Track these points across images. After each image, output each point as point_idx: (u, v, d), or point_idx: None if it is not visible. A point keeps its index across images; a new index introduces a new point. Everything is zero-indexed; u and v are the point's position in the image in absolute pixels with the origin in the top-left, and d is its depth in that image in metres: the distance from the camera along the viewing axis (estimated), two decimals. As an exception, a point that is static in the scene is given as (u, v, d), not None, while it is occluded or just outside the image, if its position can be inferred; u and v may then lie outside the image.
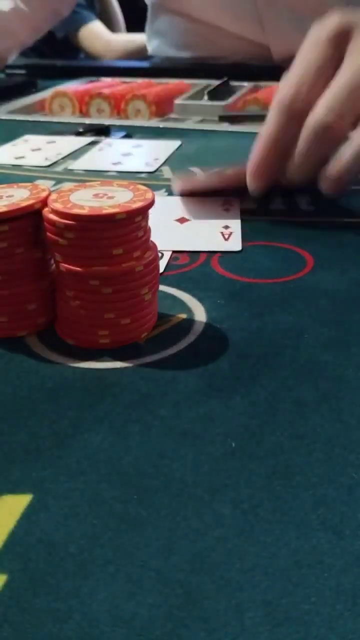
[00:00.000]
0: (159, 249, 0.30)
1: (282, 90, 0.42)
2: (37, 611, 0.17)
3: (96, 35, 1.57)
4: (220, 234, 0.40)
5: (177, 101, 0.78)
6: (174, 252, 0.38)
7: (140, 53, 1.29)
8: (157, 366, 0.27)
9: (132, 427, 0.24)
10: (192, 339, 0.29)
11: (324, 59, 0.41)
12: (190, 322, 0.31)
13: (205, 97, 0.80)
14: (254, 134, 0.43)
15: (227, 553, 0.19)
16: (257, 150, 0.42)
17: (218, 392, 0.26)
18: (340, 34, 0.42)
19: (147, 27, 1.06)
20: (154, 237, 0.30)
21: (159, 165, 0.56)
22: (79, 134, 0.66)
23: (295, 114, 0.41)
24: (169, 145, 0.62)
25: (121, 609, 0.17)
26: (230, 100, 0.77)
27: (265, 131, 0.42)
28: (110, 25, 1.68)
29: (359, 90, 0.39)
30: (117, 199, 0.28)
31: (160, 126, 0.71)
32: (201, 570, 0.18)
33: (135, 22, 1.25)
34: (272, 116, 0.42)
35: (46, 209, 0.28)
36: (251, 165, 0.43)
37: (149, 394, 0.26)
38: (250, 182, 0.43)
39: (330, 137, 0.40)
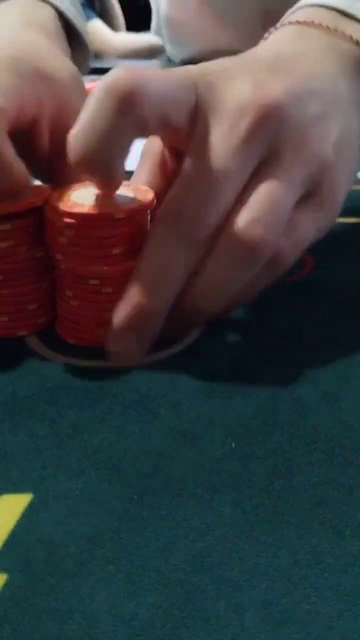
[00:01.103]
0: (159, 248, 0.30)
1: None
2: (37, 611, 0.17)
3: (96, 34, 1.57)
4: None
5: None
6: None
7: (140, 52, 1.29)
8: (157, 366, 0.27)
9: (132, 427, 0.24)
10: (192, 339, 0.29)
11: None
12: (190, 322, 0.31)
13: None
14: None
15: (227, 553, 0.19)
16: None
17: (218, 392, 0.26)
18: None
19: (156, 31, 1.05)
20: (154, 237, 0.30)
21: (159, 165, 0.56)
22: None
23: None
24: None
25: (121, 609, 0.17)
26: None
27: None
28: (111, 24, 1.68)
29: None
30: (117, 198, 0.28)
31: (160, 126, 0.70)
32: (201, 570, 0.18)
33: (135, 22, 1.25)
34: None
35: (47, 208, 0.28)
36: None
37: (149, 394, 0.26)
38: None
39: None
